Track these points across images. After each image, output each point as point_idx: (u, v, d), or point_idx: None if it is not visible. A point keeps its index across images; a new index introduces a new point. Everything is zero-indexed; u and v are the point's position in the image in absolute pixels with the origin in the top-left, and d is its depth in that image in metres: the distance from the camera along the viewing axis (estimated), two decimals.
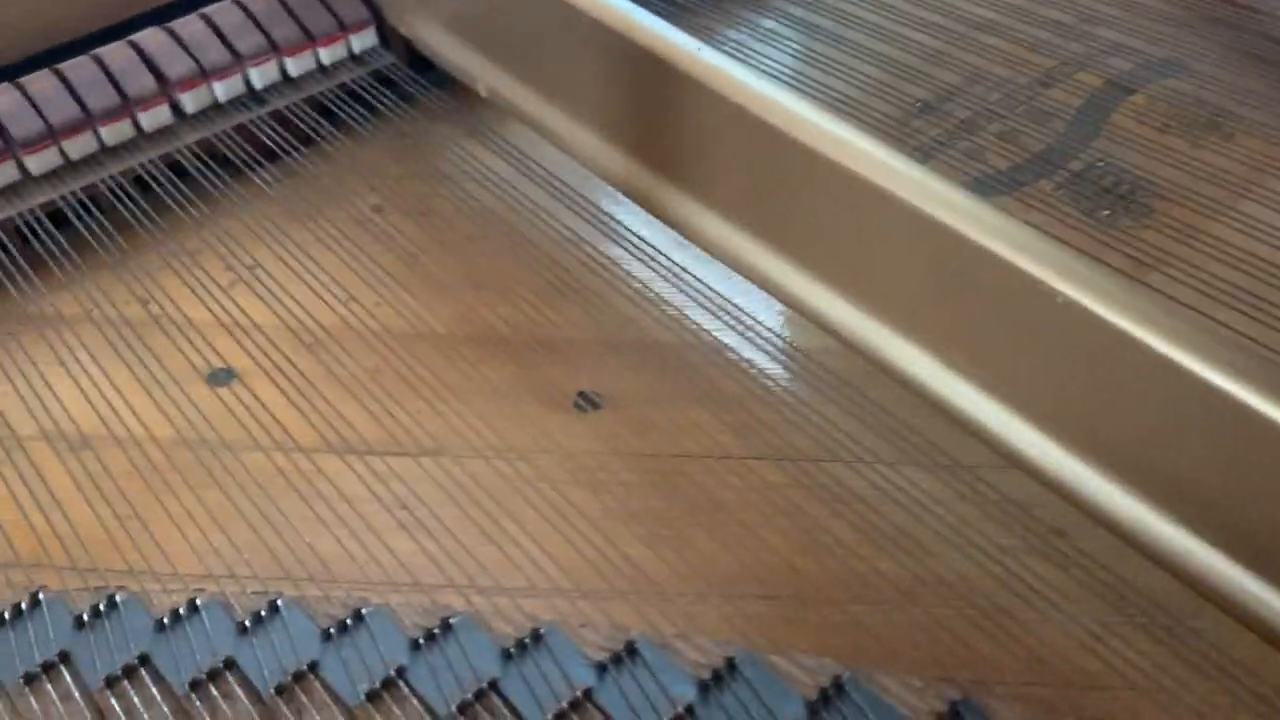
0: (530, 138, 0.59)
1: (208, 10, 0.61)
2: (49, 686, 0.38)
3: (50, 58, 0.58)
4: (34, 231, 0.54)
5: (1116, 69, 0.68)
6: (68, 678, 0.39)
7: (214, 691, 0.38)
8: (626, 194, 0.53)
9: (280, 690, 0.38)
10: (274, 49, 0.61)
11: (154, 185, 0.57)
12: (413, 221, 0.57)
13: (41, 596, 0.41)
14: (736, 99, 0.45)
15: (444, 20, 0.61)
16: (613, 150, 0.53)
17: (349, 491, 0.45)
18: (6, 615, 0.40)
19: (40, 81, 0.57)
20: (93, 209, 0.56)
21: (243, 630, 0.40)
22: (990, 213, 0.40)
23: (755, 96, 0.44)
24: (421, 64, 0.64)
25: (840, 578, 0.43)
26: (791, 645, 0.40)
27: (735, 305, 0.53)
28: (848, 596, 0.42)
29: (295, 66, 0.62)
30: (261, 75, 0.61)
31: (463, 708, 0.37)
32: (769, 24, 0.69)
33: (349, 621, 0.40)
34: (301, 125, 0.60)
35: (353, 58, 0.64)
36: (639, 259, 0.54)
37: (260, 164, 0.58)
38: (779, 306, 0.50)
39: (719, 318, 0.52)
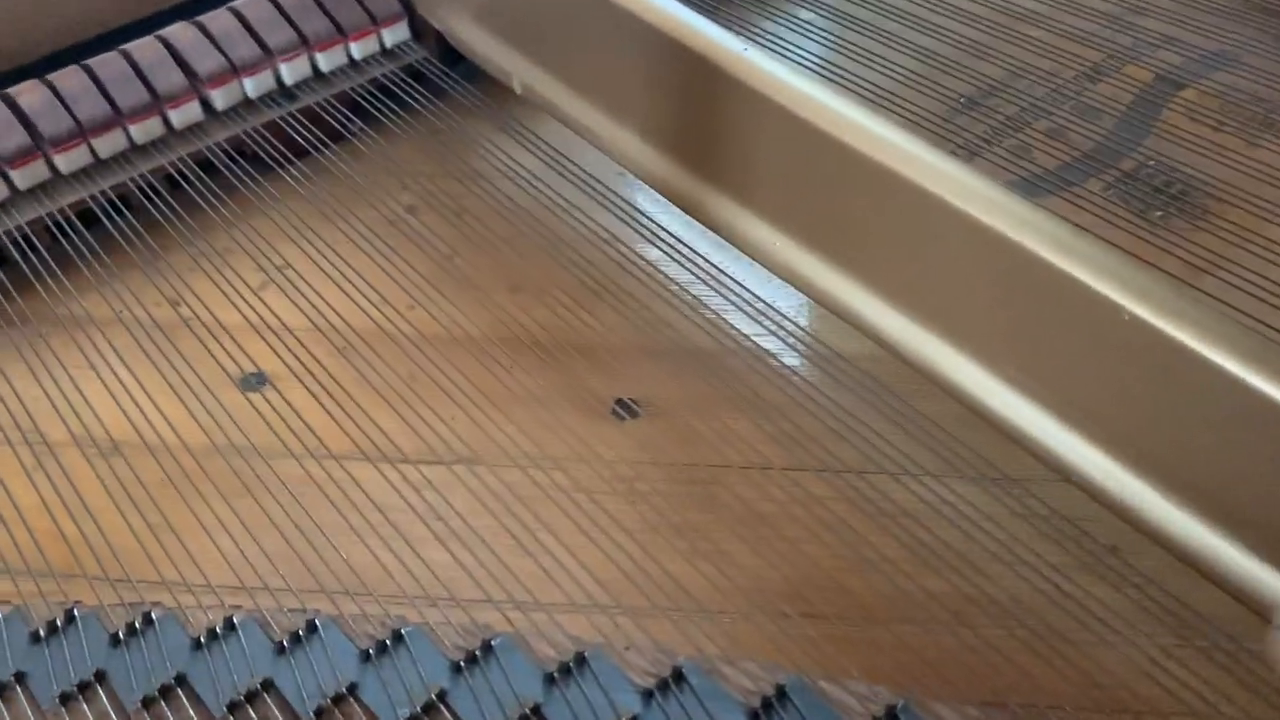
0: (565, 135, 0.58)
1: (237, 4, 0.60)
2: (85, 707, 0.38)
3: (77, 54, 0.58)
4: (64, 231, 0.54)
5: (1166, 63, 0.66)
6: (104, 698, 0.38)
7: (252, 714, 0.37)
8: (665, 195, 0.52)
9: (319, 714, 0.37)
10: (305, 44, 0.60)
11: (184, 184, 0.56)
12: (446, 221, 0.56)
13: (76, 613, 0.40)
14: (783, 101, 0.43)
15: (477, 13, 0.60)
16: (652, 149, 0.51)
17: (383, 500, 0.44)
18: (42, 632, 0.40)
19: (69, 78, 0.56)
20: (122, 208, 0.55)
21: (281, 650, 0.39)
22: (1046, 219, 0.38)
23: (802, 98, 0.43)
24: (454, 58, 0.62)
25: (887, 596, 0.42)
26: (839, 667, 0.39)
27: (776, 310, 0.51)
28: (895, 616, 0.41)
29: (326, 61, 0.61)
30: (292, 71, 0.60)
31: None
32: (805, 15, 0.68)
33: (388, 642, 0.39)
34: (332, 122, 0.59)
35: (384, 52, 0.63)
36: (677, 260, 0.53)
37: (291, 161, 0.57)
38: (821, 311, 0.48)
39: (760, 323, 0.51)
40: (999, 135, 0.63)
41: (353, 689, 0.38)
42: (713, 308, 0.51)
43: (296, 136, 0.58)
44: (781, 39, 0.66)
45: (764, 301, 0.51)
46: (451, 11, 0.61)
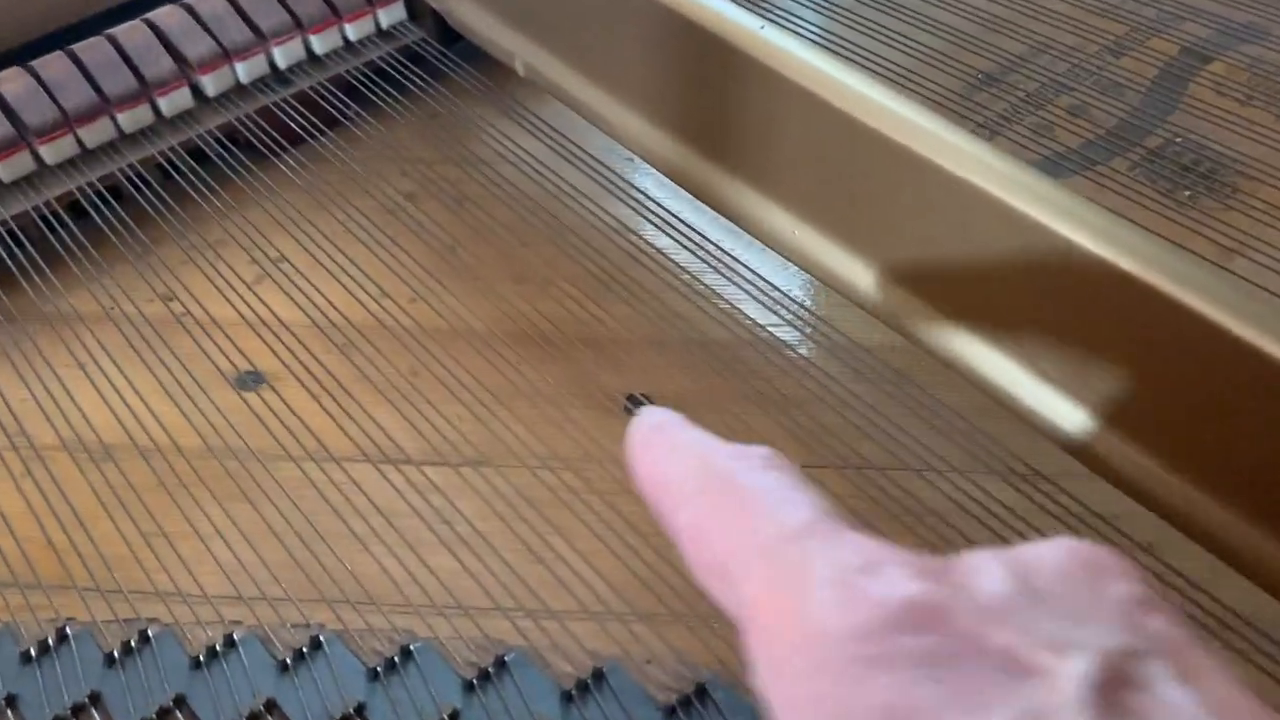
0: (570, 119, 0.55)
1: None
2: None
3: (61, 39, 0.55)
4: (50, 225, 0.52)
5: (1193, 35, 0.64)
6: None
7: None
8: (677, 181, 0.49)
9: None
10: (298, 26, 0.58)
11: (174, 174, 0.54)
12: (447, 209, 0.54)
13: (69, 630, 0.38)
14: (803, 81, 0.41)
15: None
16: (662, 133, 0.49)
17: (385, 505, 0.43)
18: (33, 652, 0.38)
19: (53, 65, 0.54)
20: (111, 200, 0.53)
21: (284, 669, 0.37)
22: (1088, 209, 0.36)
23: (825, 78, 0.41)
24: (452, 38, 0.60)
25: None
26: None
27: (792, 299, 0.49)
28: None
29: (321, 44, 0.58)
30: (285, 54, 0.58)
31: None
32: None
33: (397, 659, 0.37)
34: (328, 107, 0.57)
35: (380, 33, 0.60)
36: (688, 249, 0.51)
37: (285, 149, 0.55)
38: (840, 300, 0.46)
39: (776, 312, 0.49)
40: (1019, 113, 0.61)
41: (360, 710, 0.36)
42: (726, 298, 0.49)
43: (291, 123, 0.56)
44: (796, 15, 0.63)
45: (780, 290, 0.49)
46: None
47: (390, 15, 0.60)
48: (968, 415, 0.45)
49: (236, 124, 0.56)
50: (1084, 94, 0.62)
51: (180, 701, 0.36)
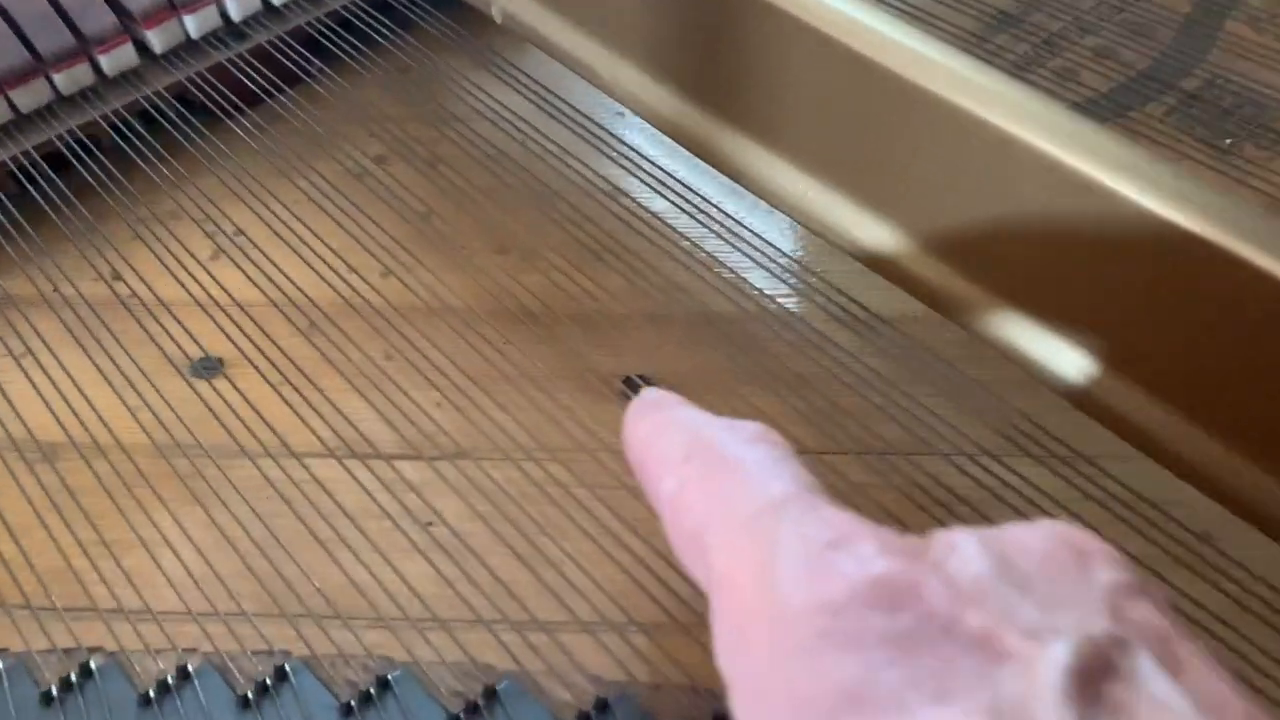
0: (553, 70, 0.50)
1: None
2: None
3: None
4: None
5: None
6: None
7: None
8: (674, 137, 0.44)
9: None
10: None
11: (119, 140, 0.49)
12: (420, 173, 0.49)
13: (0, 664, 0.34)
14: (815, 21, 0.36)
15: None
16: (658, 84, 0.44)
17: (352, 505, 0.38)
18: None
19: None
20: (48, 171, 0.48)
21: (245, 704, 0.33)
22: (1149, 162, 0.31)
23: (838, 18, 0.36)
24: None
25: None
26: None
27: (803, 265, 0.45)
28: None
29: None
30: (239, 5, 0.52)
31: None
32: None
33: (372, 691, 0.33)
34: (287, 63, 0.52)
35: None
36: (687, 213, 0.46)
37: (241, 110, 0.50)
38: (856, 267, 0.42)
39: (785, 281, 0.44)
40: (1042, 56, 0.56)
41: None
42: (730, 266, 0.45)
43: (247, 81, 0.51)
44: None
45: (788, 257, 0.45)
46: None
47: None
48: (1000, 392, 0.40)
49: (187, 84, 0.51)
50: (1111, 34, 0.57)
51: None
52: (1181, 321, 0.33)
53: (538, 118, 0.50)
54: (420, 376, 0.42)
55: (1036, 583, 0.19)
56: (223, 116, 0.50)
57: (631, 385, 0.41)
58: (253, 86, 0.51)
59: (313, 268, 0.45)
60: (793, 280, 0.44)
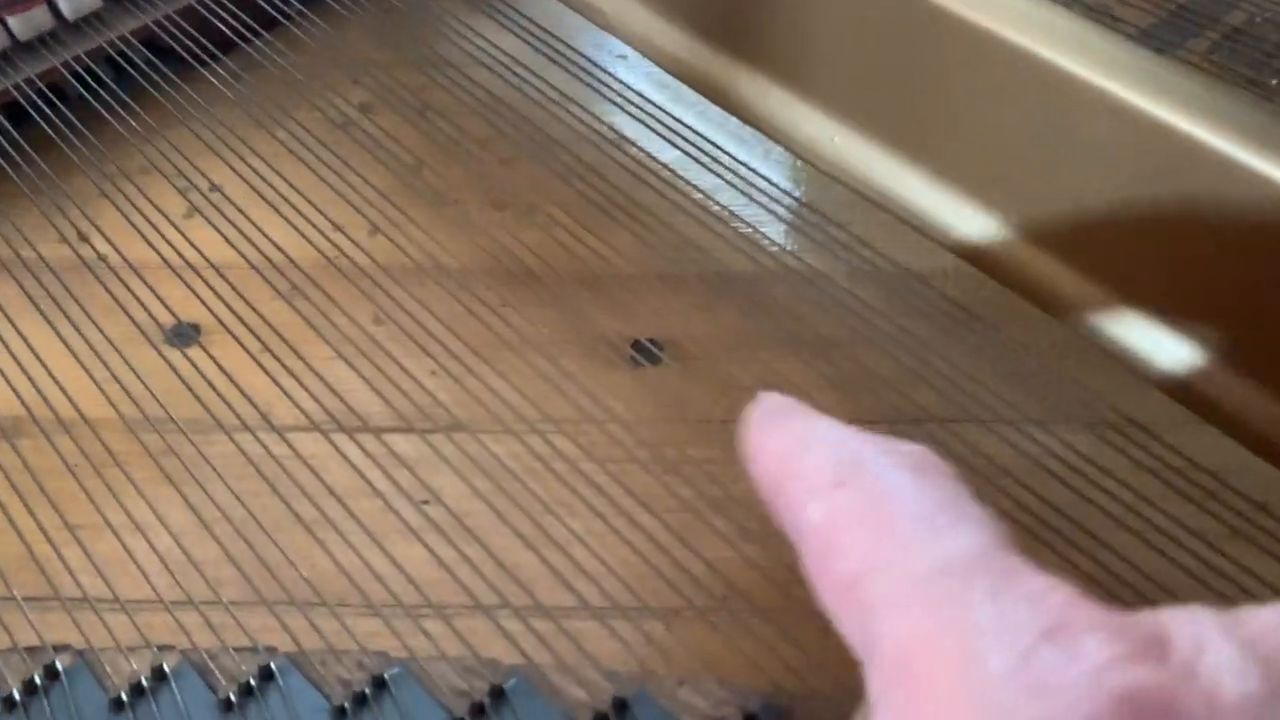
0: (551, 8, 0.47)
1: None
2: None
3: None
4: None
5: None
6: None
7: None
8: (685, 80, 0.41)
9: None
10: None
11: (84, 90, 0.45)
12: (409, 123, 0.46)
13: None
14: None
15: None
16: (665, 23, 0.40)
17: (341, 484, 0.35)
18: None
19: None
20: (6, 124, 0.44)
21: (228, 707, 0.30)
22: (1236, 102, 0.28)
23: None
24: None
25: None
26: None
27: (825, 216, 0.41)
28: None
29: None
30: None
31: None
32: None
33: (368, 691, 0.30)
34: (263, 4, 0.48)
35: None
36: (700, 162, 0.42)
37: (215, 57, 0.47)
38: (884, 219, 0.39)
39: (808, 235, 0.41)
40: None
41: None
42: (747, 220, 0.41)
43: (220, 24, 0.47)
44: None
45: (810, 208, 0.41)
46: None
47: None
48: (1043, 355, 0.37)
49: (155, 27, 0.47)
50: None
51: None
52: None
53: (535, 61, 0.46)
54: (412, 343, 0.38)
55: None
56: (195, 64, 0.46)
57: (640, 350, 0.38)
58: (227, 30, 0.47)
59: (294, 226, 0.42)
60: (814, 234, 0.41)
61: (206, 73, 0.46)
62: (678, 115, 0.43)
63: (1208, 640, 0.16)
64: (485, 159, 0.44)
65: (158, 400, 0.37)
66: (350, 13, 0.49)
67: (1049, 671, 0.16)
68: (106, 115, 0.45)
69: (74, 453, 0.36)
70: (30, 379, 0.38)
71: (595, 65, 0.45)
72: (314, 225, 0.42)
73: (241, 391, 0.37)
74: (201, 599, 0.33)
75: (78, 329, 0.39)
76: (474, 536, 0.34)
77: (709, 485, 0.35)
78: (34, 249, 0.41)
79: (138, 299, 0.40)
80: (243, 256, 0.41)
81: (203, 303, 0.40)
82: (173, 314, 0.40)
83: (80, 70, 0.46)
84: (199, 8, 0.48)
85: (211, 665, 0.31)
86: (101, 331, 0.39)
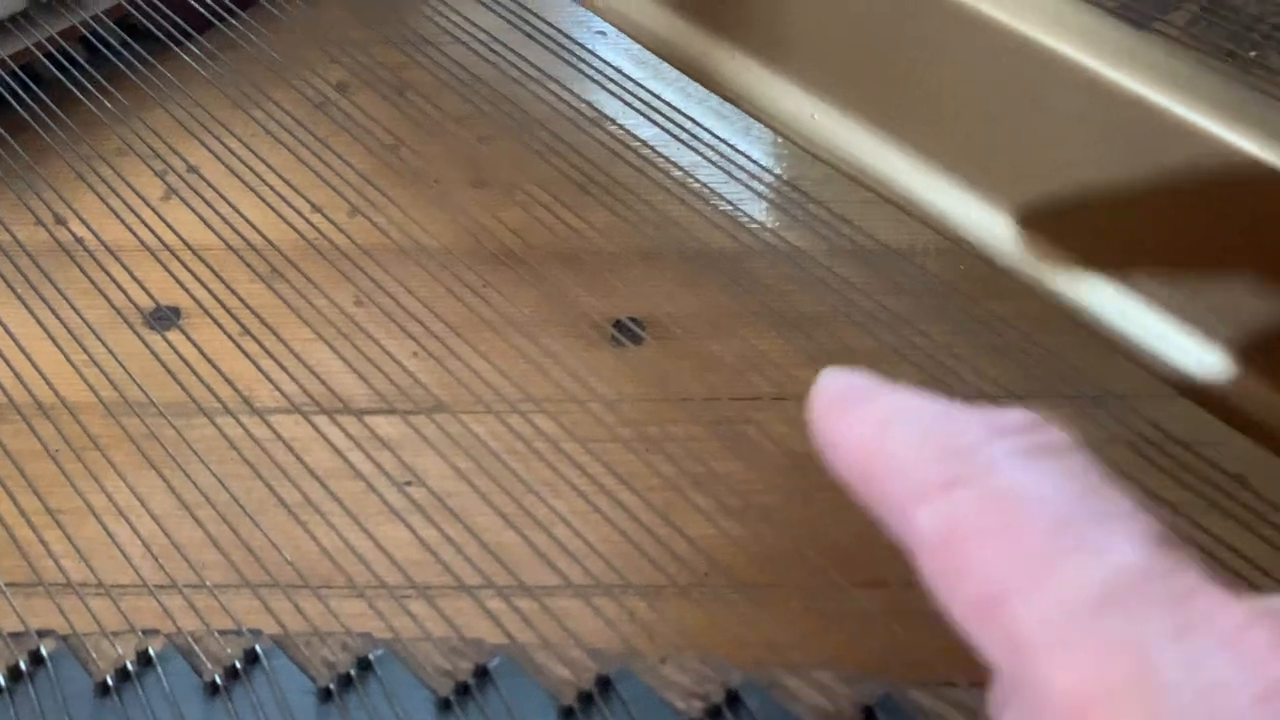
0: None
1: None
2: None
3: None
4: None
5: None
6: None
7: None
8: (664, 57, 0.41)
9: None
10: None
11: (57, 71, 0.45)
12: (387, 101, 0.45)
13: None
14: None
15: None
16: (648, 2, 0.40)
17: (323, 466, 0.35)
18: None
19: None
20: None
21: (213, 690, 0.30)
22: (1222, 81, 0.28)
23: None
24: None
25: None
26: (920, 659, 0.30)
27: (805, 193, 0.41)
28: None
29: None
30: None
31: None
32: None
33: (353, 673, 0.30)
34: None
35: None
36: (679, 139, 0.42)
37: (190, 36, 0.46)
38: (865, 195, 0.38)
39: (787, 211, 0.41)
40: None
41: None
42: (728, 197, 0.41)
43: (195, 3, 0.47)
44: None
45: (789, 184, 0.41)
46: None
47: None
48: (1023, 328, 0.37)
49: (129, 6, 0.46)
50: None
51: None
52: None
53: (513, 38, 0.46)
54: (393, 324, 0.38)
55: None
56: (170, 43, 0.46)
57: (622, 329, 0.38)
58: (202, 9, 0.47)
59: (273, 207, 0.41)
60: (794, 211, 0.41)
61: (182, 52, 0.46)
62: (657, 92, 0.43)
63: None
64: (464, 137, 0.44)
65: (138, 384, 0.37)
66: None
67: None
68: (81, 97, 0.44)
69: (55, 437, 0.36)
70: (9, 364, 0.37)
71: (574, 42, 0.45)
72: (292, 206, 0.41)
73: (222, 374, 0.37)
74: (185, 582, 0.33)
75: (56, 313, 0.39)
76: (457, 517, 0.34)
77: (691, 463, 0.35)
78: (10, 233, 0.41)
79: (116, 282, 0.40)
80: (221, 239, 0.41)
81: (182, 286, 0.39)
82: (152, 297, 0.39)
83: (53, 51, 0.45)
84: None
85: (196, 648, 0.31)
86: (80, 315, 0.39)
